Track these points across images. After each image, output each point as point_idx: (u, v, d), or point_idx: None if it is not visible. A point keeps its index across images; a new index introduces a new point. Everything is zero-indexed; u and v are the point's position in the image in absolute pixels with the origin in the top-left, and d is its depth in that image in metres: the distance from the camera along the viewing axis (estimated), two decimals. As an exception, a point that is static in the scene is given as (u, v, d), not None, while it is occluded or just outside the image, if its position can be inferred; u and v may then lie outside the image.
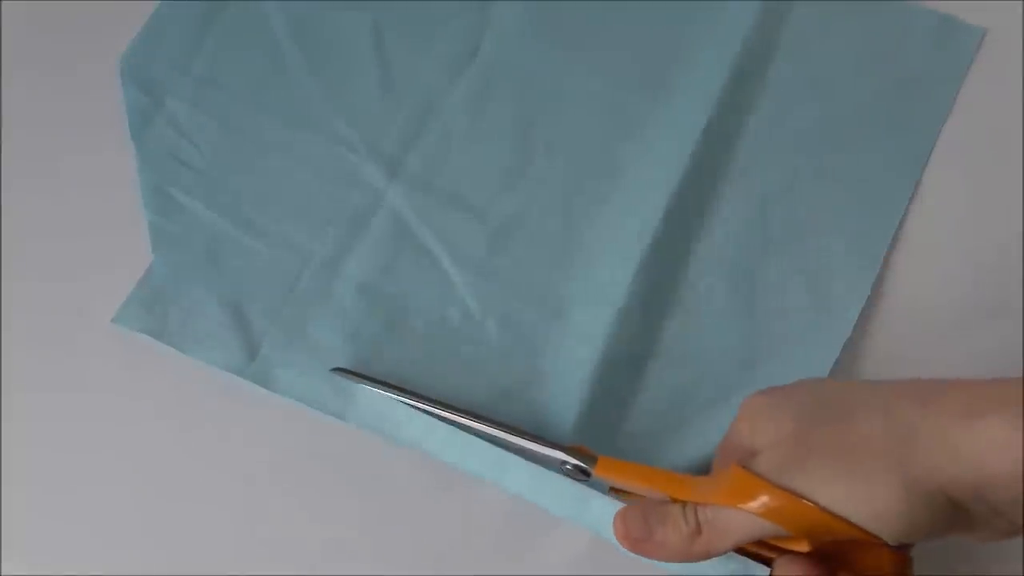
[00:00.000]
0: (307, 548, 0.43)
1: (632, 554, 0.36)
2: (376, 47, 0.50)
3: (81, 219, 0.47)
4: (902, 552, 0.36)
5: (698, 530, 0.35)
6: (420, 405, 0.42)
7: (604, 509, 0.39)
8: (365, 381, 0.43)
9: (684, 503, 0.35)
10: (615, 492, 0.40)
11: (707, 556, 0.35)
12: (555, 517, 0.40)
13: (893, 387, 0.34)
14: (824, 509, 0.32)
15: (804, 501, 0.32)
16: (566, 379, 0.44)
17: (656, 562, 0.36)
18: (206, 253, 0.46)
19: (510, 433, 0.41)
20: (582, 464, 0.40)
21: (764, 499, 0.33)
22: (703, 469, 0.42)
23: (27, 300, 0.46)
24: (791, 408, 0.35)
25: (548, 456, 0.41)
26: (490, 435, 0.41)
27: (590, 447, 0.41)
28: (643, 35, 0.51)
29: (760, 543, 0.36)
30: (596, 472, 0.39)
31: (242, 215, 0.47)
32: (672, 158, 0.48)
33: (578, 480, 0.40)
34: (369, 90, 0.50)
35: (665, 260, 0.47)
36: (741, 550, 0.37)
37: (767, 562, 0.37)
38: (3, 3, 0.51)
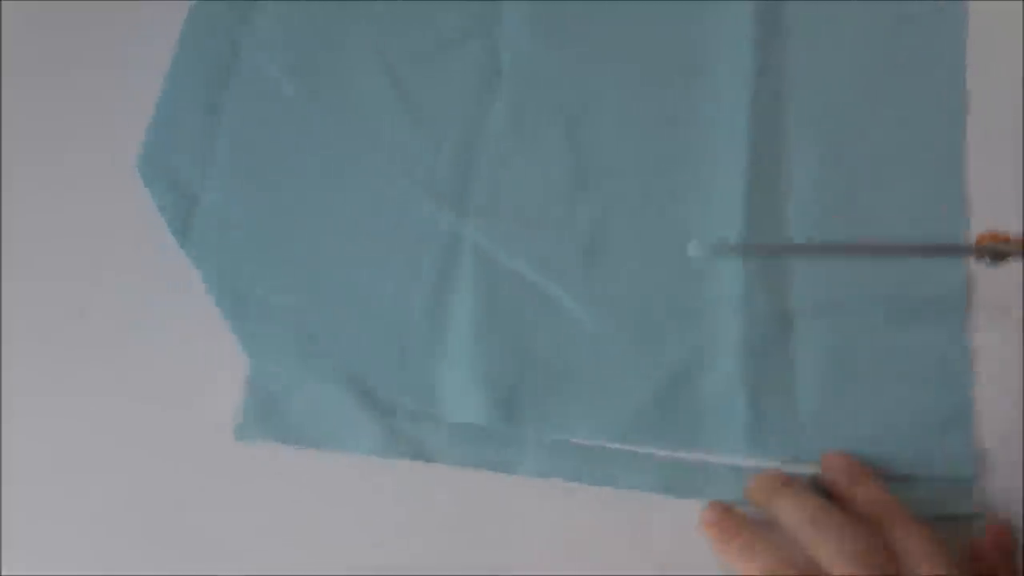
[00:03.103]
0: (318, 544, 0.43)
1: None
2: (393, 84, 0.49)
3: (81, 219, 0.47)
4: None
5: None
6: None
7: None
8: None
9: None
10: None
11: None
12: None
13: None
14: None
15: None
16: (720, 385, 0.43)
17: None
18: (303, 340, 0.44)
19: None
20: None
21: None
22: None
23: (27, 300, 0.46)
24: None
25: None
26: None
27: (764, 448, 0.41)
28: (645, 29, 0.50)
29: None
30: None
31: (322, 290, 0.45)
32: (732, 140, 0.46)
33: None
34: (403, 130, 0.48)
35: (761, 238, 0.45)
36: None
37: None
38: (3, 3, 0.51)
